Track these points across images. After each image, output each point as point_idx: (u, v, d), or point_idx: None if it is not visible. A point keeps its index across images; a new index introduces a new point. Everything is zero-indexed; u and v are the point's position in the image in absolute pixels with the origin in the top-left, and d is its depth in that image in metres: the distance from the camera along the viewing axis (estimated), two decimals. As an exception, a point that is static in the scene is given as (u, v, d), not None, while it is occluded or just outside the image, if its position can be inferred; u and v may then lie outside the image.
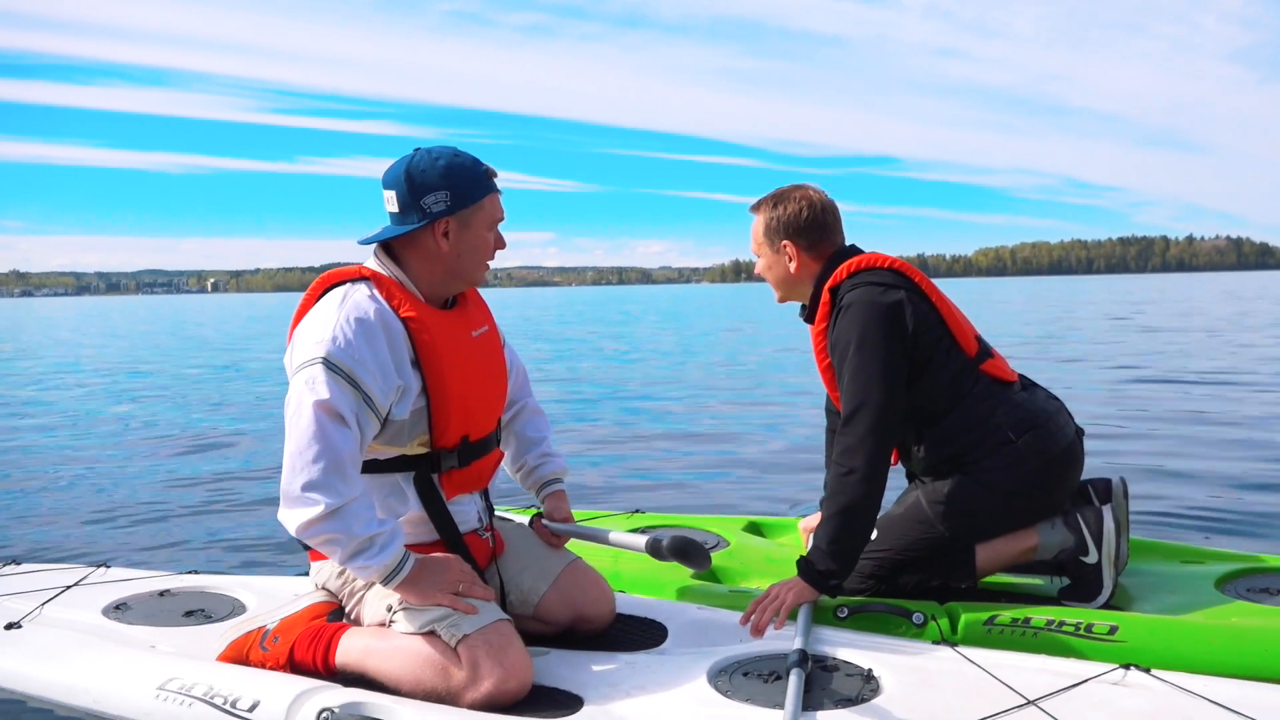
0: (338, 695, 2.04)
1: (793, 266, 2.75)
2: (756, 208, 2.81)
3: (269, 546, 4.26)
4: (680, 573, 2.82)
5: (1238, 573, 2.72)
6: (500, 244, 2.35)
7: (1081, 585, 2.55)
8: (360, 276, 2.24)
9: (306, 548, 2.38)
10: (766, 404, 9.63)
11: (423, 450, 2.23)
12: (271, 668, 2.23)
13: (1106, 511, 2.55)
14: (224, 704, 2.09)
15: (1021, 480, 2.53)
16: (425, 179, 2.19)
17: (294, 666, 2.21)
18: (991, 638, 2.33)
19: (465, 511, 2.35)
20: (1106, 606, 2.50)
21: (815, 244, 2.73)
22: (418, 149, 2.27)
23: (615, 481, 5.79)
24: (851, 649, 2.23)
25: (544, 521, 2.58)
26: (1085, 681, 2.01)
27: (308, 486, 2.02)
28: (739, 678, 2.12)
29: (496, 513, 2.55)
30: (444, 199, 2.20)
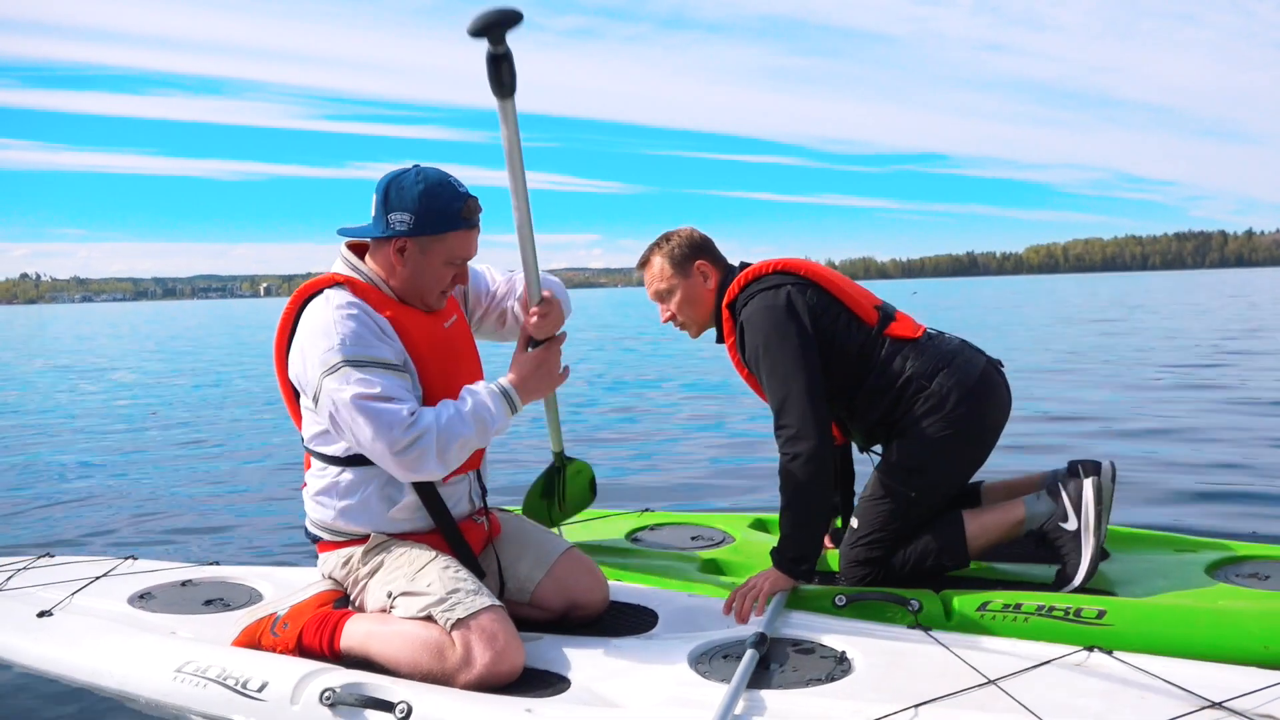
0: (339, 676, 2.18)
1: (710, 283, 2.89)
2: (646, 260, 2.94)
3: (289, 539, 4.41)
4: (686, 570, 2.95)
5: (1229, 559, 2.79)
6: (460, 280, 2.44)
7: (1064, 554, 2.62)
8: (335, 283, 2.38)
9: (314, 540, 2.52)
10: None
11: None
12: (282, 652, 2.37)
13: (1088, 483, 2.63)
14: (236, 685, 2.24)
15: (949, 419, 2.64)
16: (400, 197, 2.32)
17: (302, 650, 2.36)
18: (984, 622, 2.42)
19: (458, 494, 2.47)
20: (1096, 591, 2.57)
21: (717, 259, 2.92)
22: (416, 166, 2.38)
23: (625, 481, 5.89)
24: (829, 633, 2.33)
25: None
26: (1047, 663, 2.10)
27: (403, 451, 2.17)
28: (719, 660, 2.23)
29: (492, 506, 2.67)
30: (408, 220, 2.31)
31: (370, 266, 2.42)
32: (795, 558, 2.56)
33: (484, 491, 2.61)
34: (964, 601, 2.47)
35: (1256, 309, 25.11)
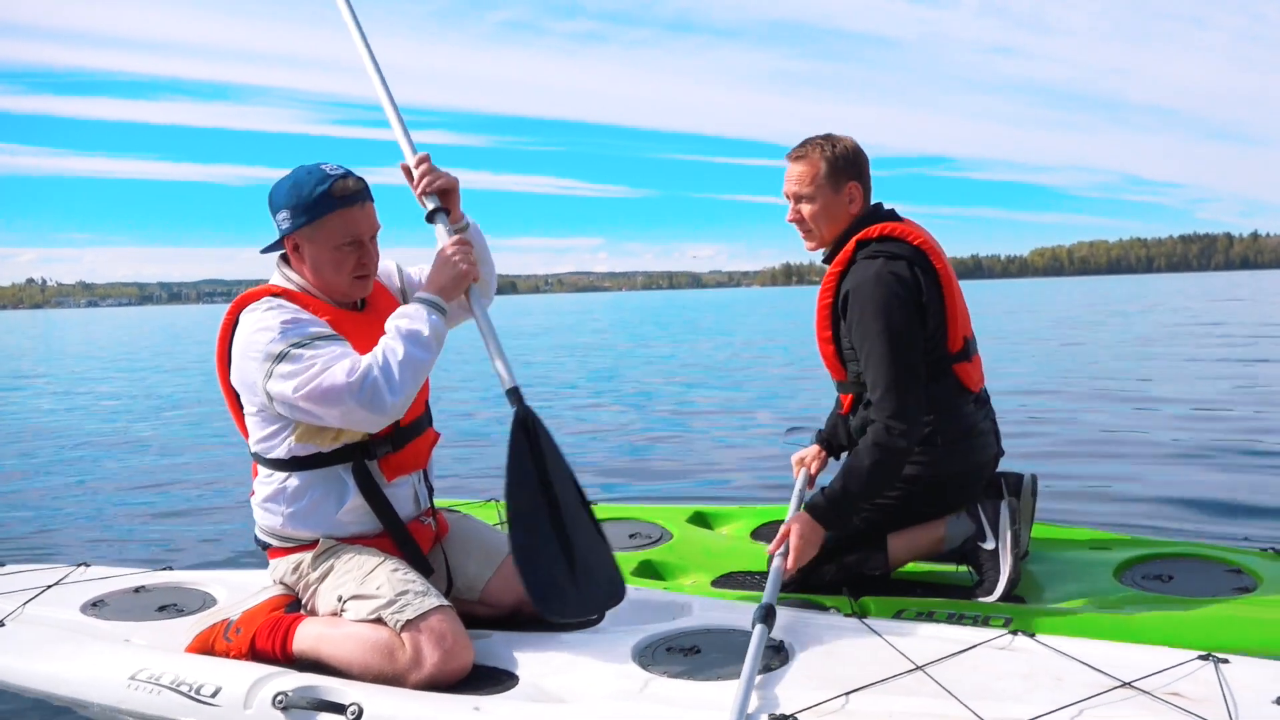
0: (291, 680, 2.23)
1: (853, 207, 2.79)
2: (801, 154, 2.80)
3: (242, 544, 4.43)
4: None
5: (1135, 559, 2.92)
6: (366, 259, 2.45)
7: (984, 570, 2.72)
8: (270, 294, 2.43)
9: (264, 546, 2.56)
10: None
11: (358, 438, 2.42)
12: (235, 656, 2.42)
13: (1004, 505, 2.72)
14: (189, 691, 2.28)
15: (932, 485, 2.72)
16: (274, 199, 2.41)
17: (255, 655, 2.40)
18: None
19: (404, 495, 2.52)
20: (1010, 597, 2.67)
21: (867, 187, 2.82)
22: (298, 168, 2.45)
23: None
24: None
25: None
26: (974, 647, 2.20)
27: (358, 393, 2.21)
28: (662, 652, 2.31)
29: (439, 506, 2.72)
30: (288, 217, 2.40)
31: (296, 275, 2.48)
32: (842, 517, 2.61)
33: (430, 491, 2.66)
34: (880, 608, 2.61)
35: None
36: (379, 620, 2.30)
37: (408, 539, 2.51)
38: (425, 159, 2.49)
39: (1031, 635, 2.24)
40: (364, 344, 2.38)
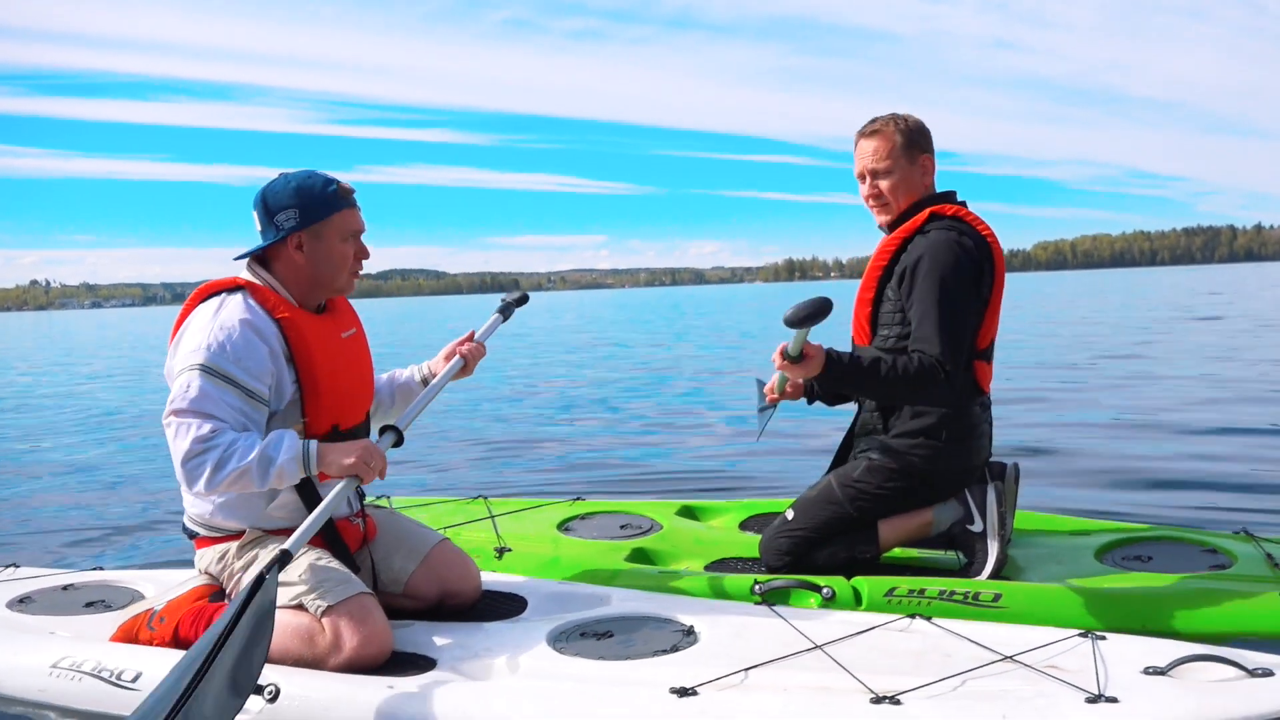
0: (211, 664, 2.27)
1: (926, 180, 2.90)
2: (875, 130, 2.91)
3: (176, 544, 4.43)
4: (614, 559, 3.07)
5: (1116, 543, 3.04)
6: (362, 254, 2.60)
7: (972, 552, 2.82)
8: (236, 286, 2.49)
9: (192, 535, 2.61)
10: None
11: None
12: (158, 645, 2.45)
13: (991, 488, 2.82)
14: (110, 677, 2.32)
15: (928, 478, 2.83)
16: (277, 200, 2.47)
17: (179, 643, 2.44)
18: (891, 606, 2.60)
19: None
20: (997, 577, 2.77)
21: (933, 162, 2.93)
22: (281, 174, 2.52)
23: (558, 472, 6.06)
24: (682, 611, 2.51)
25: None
26: (873, 629, 2.31)
27: (192, 451, 2.26)
28: (576, 638, 2.39)
29: (368, 502, 2.79)
30: (294, 216, 2.47)
31: (268, 274, 2.53)
32: (839, 380, 2.69)
33: (362, 496, 2.73)
34: (873, 588, 2.66)
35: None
36: (300, 606, 2.35)
37: (335, 536, 2.57)
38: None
39: (929, 619, 2.35)
40: (314, 345, 2.46)
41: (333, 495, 2.37)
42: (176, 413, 2.29)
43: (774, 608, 2.51)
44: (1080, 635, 2.18)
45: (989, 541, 2.80)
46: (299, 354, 2.46)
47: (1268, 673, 1.91)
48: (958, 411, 2.83)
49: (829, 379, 2.70)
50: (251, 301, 2.45)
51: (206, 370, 2.31)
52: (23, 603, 2.92)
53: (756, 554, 3.06)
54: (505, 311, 3.03)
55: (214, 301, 2.46)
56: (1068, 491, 4.83)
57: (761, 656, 2.17)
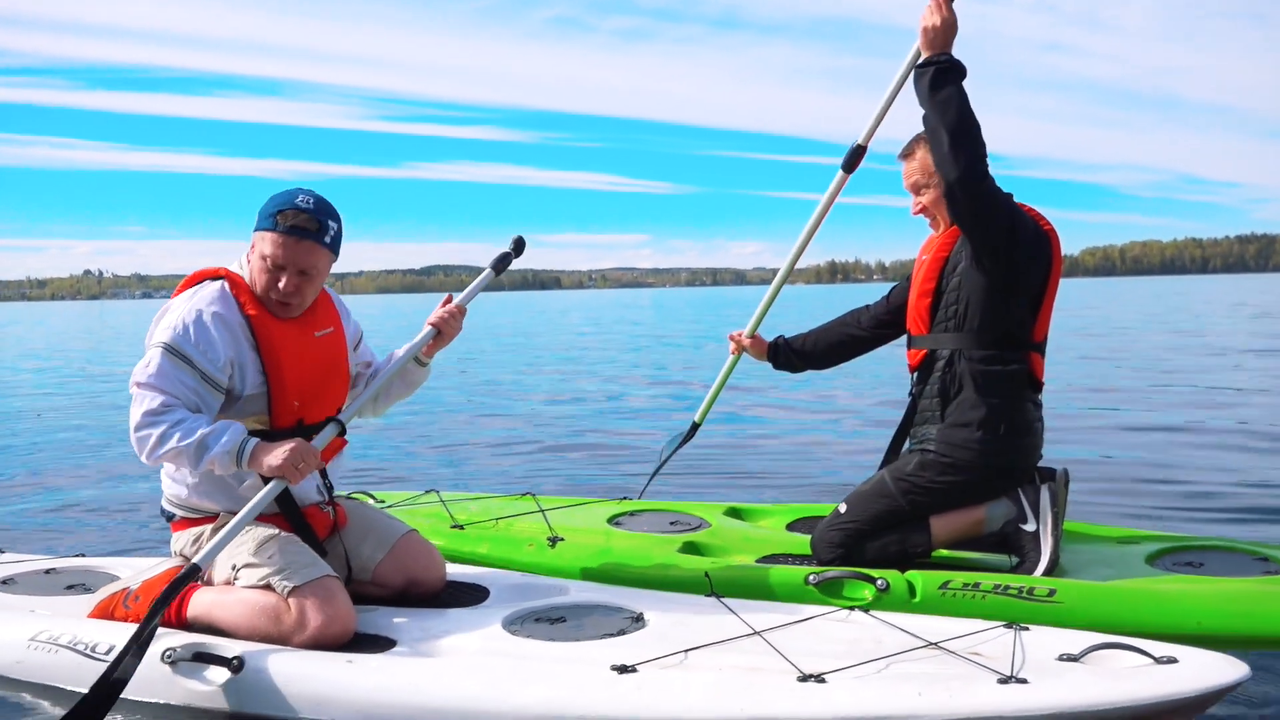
0: (181, 639, 2.40)
1: None
2: (909, 151, 3.07)
3: (160, 532, 4.53)
4: (664, 555, 3.10)
5: (1166, 550, 3.05)
6: (287, 286, 2.57)
7: (1024, 552, 2.87)
8: (218, 276, 2.64)
9: (169, 518, 2.73)
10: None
11: (260, 427, 2.60)
12: (133, 622, 2.57)
13: (1045, 488, 2.88)
14: (85, 650, 2.44)
15: (981, 475, 2.87)
16: (261, 209, 2.63)
17: (152, 621, 2.55)
18: (945, 600, 2.62)
19: (303, 488, 2.70)
20: (1048, 575, 2.79)
21: None
22: (298, 188, 2.67)
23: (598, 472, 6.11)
24: (632, 600, 2.63)
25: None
26: (811, 619, 2.43)
27: (142, 423, 2.45)
28: (530, 622, 2.51)
29: (340, 493, 2.91)
30: (258, 218, 2.62)
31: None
32: (945, 67, 2.93)
33: (330, 488, 2.85)
34: (927, 581, 2.67)
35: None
36: (268, 586, 2.47)
37: (303, 522, 2.69)
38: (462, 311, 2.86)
39: (866, 610, 2.47)
40: (277, 343, 2.58)
41: (253, 503, 2.51)
42: (136, 384, 2.49)
43: (722, 600, 2.62)
44: (1005, 626, 2.29)
45: (1043, 540, 2.83)
46: (264, 349, 2.59)
47: (1171, 660, 2.02)
48: (1018, 403, 2.87)
49: (947, 72, 2.93)
50: (228, 292, 2.60)
51: (169, 350, 2.50)
52: (5, 584, 3.03)
53: (806, 551, 3.08)
54: (498, 266, 3.00)
55: (195, 289, 2.62)
56: (1115, 500, 4.85)
57: (701, 640, 2.29)
